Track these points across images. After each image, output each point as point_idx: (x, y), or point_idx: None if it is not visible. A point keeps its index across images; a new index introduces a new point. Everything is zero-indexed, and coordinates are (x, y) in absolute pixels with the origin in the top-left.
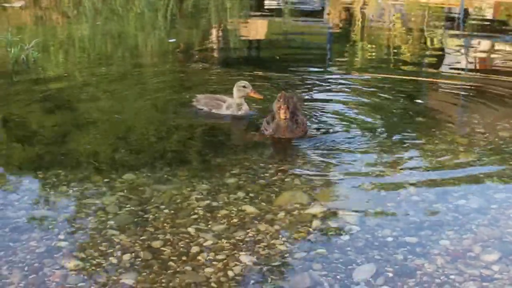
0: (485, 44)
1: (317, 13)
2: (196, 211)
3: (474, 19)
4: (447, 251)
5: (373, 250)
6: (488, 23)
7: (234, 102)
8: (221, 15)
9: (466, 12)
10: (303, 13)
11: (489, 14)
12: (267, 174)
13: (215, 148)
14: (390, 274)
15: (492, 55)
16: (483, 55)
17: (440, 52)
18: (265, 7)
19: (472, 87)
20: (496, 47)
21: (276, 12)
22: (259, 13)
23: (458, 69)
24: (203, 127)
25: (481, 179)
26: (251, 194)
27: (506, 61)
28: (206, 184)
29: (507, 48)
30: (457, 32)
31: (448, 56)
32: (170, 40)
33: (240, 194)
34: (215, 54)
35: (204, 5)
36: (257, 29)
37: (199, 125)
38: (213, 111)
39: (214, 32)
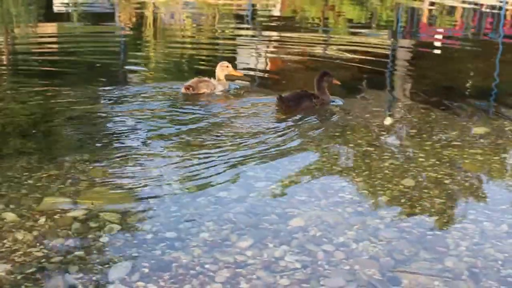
0: (272, 40)
1: (108, 16)
2: None
3: (262, 16)
4: (205, 242)
5: (132, 248)
6: (275, 19)
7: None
8: (6, 21)
9: (254, 10)
10: (93, 16)
11: (276, 11)
12: (30, 181)
13: None
14: (146, 270)
15: (280, 50)
16: (272, 50)
17: (232, 50)
18: (55, 11)
19: (260, 85)
20: (283, 43)
21: (66, 17)
22: (48, 18)
23: (249, 69)
24: None
25: (243, 169)
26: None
27: (293, 55)
28: None
29: (293, 44)
30: (246, 29)
31: (239, 54)
32: None
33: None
34: None
35: None
36: (45, 35)
37: None
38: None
39: None
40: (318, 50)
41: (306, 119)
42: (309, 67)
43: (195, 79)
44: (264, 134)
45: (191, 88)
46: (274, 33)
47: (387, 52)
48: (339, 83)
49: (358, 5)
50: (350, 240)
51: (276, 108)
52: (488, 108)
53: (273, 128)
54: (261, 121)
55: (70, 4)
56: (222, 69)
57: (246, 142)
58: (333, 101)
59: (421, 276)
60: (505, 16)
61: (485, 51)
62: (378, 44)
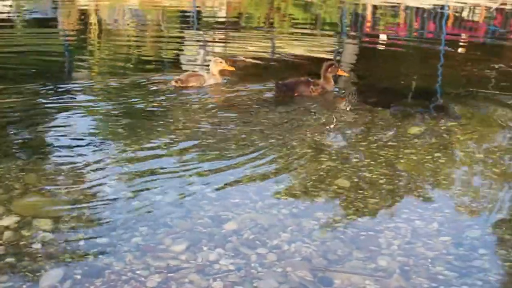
0: (218, 40)
1: (51, 21)
2: None
3: (207, 18)
4: (138, 247)
5: (64, 254)
6: (222, 21)
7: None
8: None
9: (199, 12)
10: (36, 21)
11: (222, 13)
12: None
13: None
14: (78, 277)
15: (225, 50)
16: (217, 50)
17: (177, 52)
18: None
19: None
20: (228, 43)
21: (7, 22)
22: None
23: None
24: None
25: (179, 173)
26: None
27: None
28: None
29: (238, 44)
30: (191, 30)
31: (184, 55)
32: None
33: None
34: None
35: None
36: None
37: None
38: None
39: None
40: (262, 50)
41: (244, 120)
42: (254, 66)
43: (187, 72)
44: (199, 137)
45: (179, 81)
46: (219, 34)
47: (330, 54)
48: (346, 74)
49: (303, 7)
50: (284, 242)
51: (274, 93)
52: (424, 108)
53: (211, 130)
54: (200, 123)
55: (12, 10)
56: (216, 65)
57: (182, 145)
58: (337, 90)
59: (354, 276)
60: (447, 16)
61: (427, 52)
62: (322, 46)
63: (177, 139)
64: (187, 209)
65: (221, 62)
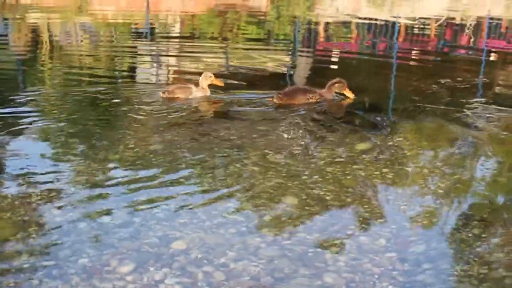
0: (172, 58)
1: (1, 37)
2: None
3: (161, 34)
4: (84, 269)
5: (9, 279)
6: (176, 36)
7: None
8: None
9: (152, 28)
10: None
11: (176, 30)
12: None
13: None
14: None
15: (179, 68)
16: (172, 67)
17: (131, 65)
18: None
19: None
20: (182, 58)
21: None
22: None
23: (149, 83)
24: None
25: (127, 193)
26: None
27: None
28: None
29: (191, 59)
30: (145, 45)
31: (138, 68)
32: None
33: None
34: None
35: None
36: None
37: None
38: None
39: None
40: (217, 64)
41: (194, 137)
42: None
43: (176, 84)
44: (148, 156)
45: (166, 93)
46: (173, 48)
47: (284, 69)
48: (352, 95)
49: (256, 23)
50: (231, 260)
51: (275, 100)
52: (373, 123)
53: (161, 148)
54: (151, 140)
55: None
56: (206, 79)
57: (131, 165)
58: (336, 99)
59: None
60: (398, 30)
61: (378, 67)
62: (275, 60)
63: (126, 159)
64: (135, 230)
65: (210, 77)
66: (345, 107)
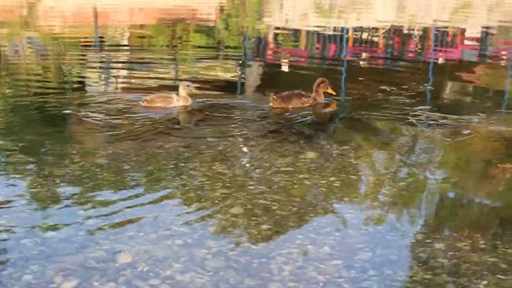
0: (123, 69)
1: None
2: None
3: (110, 46)
4: (29, 286)
5: None
6: (124, 47)
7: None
8: None
9: (101, 40)
10: None
11: (124, 40)
12: None
13: None
14: None
15: (131, 80)
16: (123, 80)
17: (80, 76)
18: None
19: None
20: (131, 68)
21: None
22: None
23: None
24: None
25: (72, 208)
26: None
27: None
28: None
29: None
30: (94, 56)
31: (88, 79)
32: None
33: None
34: None
35: None
36: None
37: None
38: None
39: None
40: (167, 73)
41: (142, 149)
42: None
43: (156, 94)
44: (94, 170)
45: (145, 101)
46: (122, 58)
47: (234, 79)
48: (333, 92)
49: (205, 33)
50: (177, 272)
51: (271, 105)
52: (319, 132)
53: (108, 161)
54: (98, 154)
55: None
56: (184, 88)
57: (77, 178)
58: (327, 101)
59: None
60: (347, 39)
61: (328, 75)
62: (226, 69)
63: (72, 173)
64: (80, 244)
65: (188, 86)
66: (293, 116)
